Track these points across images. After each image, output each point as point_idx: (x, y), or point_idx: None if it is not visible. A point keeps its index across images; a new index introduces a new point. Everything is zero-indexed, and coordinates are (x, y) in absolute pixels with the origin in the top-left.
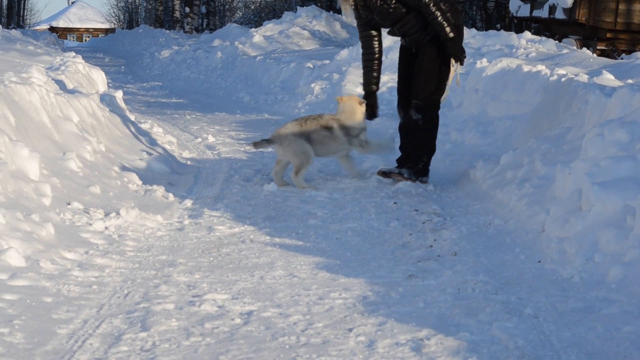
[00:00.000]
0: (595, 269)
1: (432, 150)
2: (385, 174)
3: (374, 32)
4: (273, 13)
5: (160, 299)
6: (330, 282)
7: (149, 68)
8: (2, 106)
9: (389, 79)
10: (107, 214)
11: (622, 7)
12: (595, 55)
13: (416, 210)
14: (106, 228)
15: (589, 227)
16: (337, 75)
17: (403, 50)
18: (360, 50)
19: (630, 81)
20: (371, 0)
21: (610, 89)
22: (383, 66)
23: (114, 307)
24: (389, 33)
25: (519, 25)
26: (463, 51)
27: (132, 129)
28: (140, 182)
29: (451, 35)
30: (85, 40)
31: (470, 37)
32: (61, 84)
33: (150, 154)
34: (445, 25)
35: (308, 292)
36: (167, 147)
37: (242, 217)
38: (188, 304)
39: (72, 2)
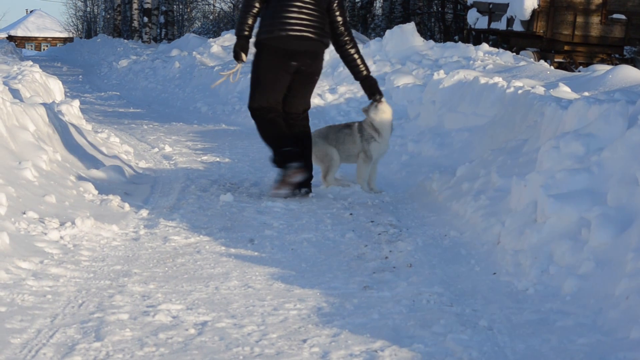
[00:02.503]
0: (550, 281)
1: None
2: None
3: None
4: (232, 23)
5: (114, 309)
6: (285, 293)
7: (107, 77)
8: None
9: (346, 90)
10: (62, 224)
11: (579, 20)
12: (552, 67)
13: (372, 221)
14: (61, 237)
15: (544, 240)
16: None
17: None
18: None
19: (586, 94)
20: None
21: (567, 102)
22: (342, 77)
23: (68, 316)
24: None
25: (476, 37)
26: None
27: (89, 138)
28: (96, 192)
29: None
30: (44, 49)
31: (428, 48)
32: (18, 93)
33: (106, 164)
34: None
35: (263, 303)
36: (124, 156)
37: (198, 227)
38: (142, 314)
39: (31, 11)
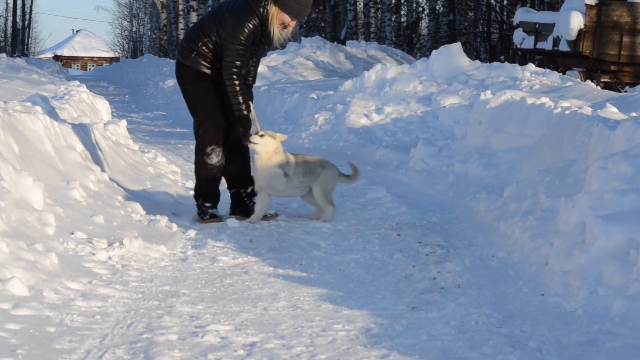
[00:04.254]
0: (599, 302)
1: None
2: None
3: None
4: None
5: (163, 330)
6: (334, 314)
7: (153, 97)
8: (6, 135)
9: (392, 110)
10: (110, 244)
11: (626, 39)
12: (599, 87)
13: (420, 242)
14: (109, 258)
15: (593, 260)
16: (341, 106)
17: (213, 81)
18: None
19: (634, 114)
20: (284, 36)
21: (614, 122)
22: (389, 97)
23: (117, 337)
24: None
25: (522, 57)
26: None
27: (136, 158)
28: (143, 212)
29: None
30: (90, 69)
31: (475, 68)
32: (65, 113)
33: (153, 184)
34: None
35: (311, 324)
36: (171, 177)
37: (245, 247)
38: (191, 334)
39: (77, 31)
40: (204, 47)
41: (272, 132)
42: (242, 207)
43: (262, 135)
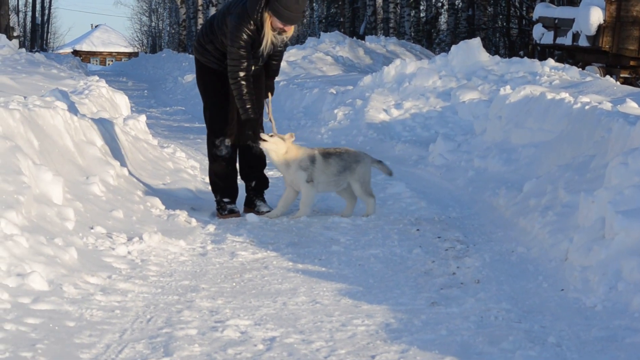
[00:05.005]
0: (619, 297)
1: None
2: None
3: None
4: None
5: (183, 324)
6: (353, 309)
7: (172, 92)
8: (26, 130)
9: (412, 105)
10: (130, 239)
11: None
12: (618, 83)
13: (439, 237)
14: (129, 253)
15: (613, 256)
16: (360, 101)
17: (220, 77)
18: (383, 77)
19: None
20: (280, 40)
21: (634, 117)
22: (408, 92)
23: (137, 332)
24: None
25: (542, 52)
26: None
27: (155, 153)
28: (163, 207)
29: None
30: (109, 64)
31: (494, 64)
32: (85, 108)
33: (173, 179)
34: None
35: (331, 319)
36: (190, 172)
37: (264, 242)
38: (211, 329)
39: (96, 26)
40: (213, 44)
41: (280, 135)
42: (249, 201)
43: (271, 135)
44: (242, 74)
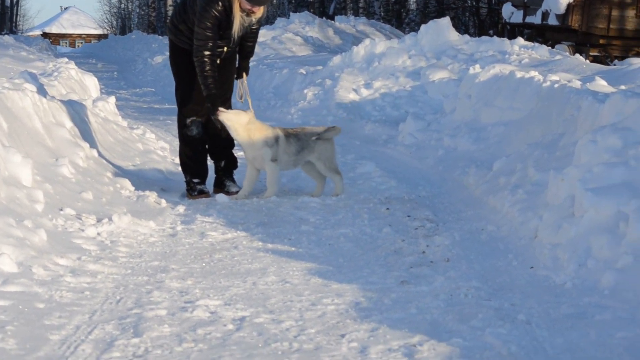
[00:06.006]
0: (588, 275)
1: None
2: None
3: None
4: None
5: (152, 305)
6: (323, 288)
7: (142, 74)
8: None
9: (381, 85)
10: (99, 220)
11: (615, 13)
12: (588, 61)
13: (409, 216)
14: (98, 234)
15: (582, 233)
16: (329, 81)
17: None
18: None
19: (623, 87)
20: (248, 22)
21: (603, 95)
22: (377, 72)
23: (107, 313)
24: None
25: (511, 31)
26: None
27: (125, 134)
28: (132, 188)
29: None
30: (78, 46)
31: (463, 43)
32: (54, 90)
33: (142, 160)
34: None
35: (300, 298)
36: (160, 152)
37: (234, 222)
38: (180, 310)
39: (65, 8)
40: (186, 24)
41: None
42: (218, 181)
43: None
44: (206, 52)
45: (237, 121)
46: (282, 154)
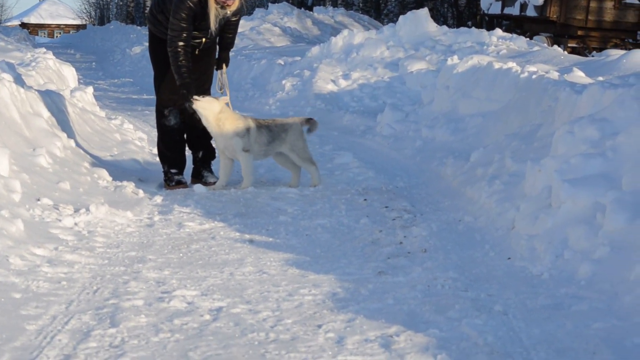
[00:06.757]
0: (565, 266)
1: None
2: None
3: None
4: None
5: (129, 295)
6: (300, 279)
7: (120, 64)
8: None
9: (359, 76)
10: (76, 210)
11: (593, 4)
12: (566, 52)
13: (386, 207)
14: (76, 224)
15: (559, 224)
16: (308, 72)
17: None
18: (331, 48)
19: (600, 78)
20: (223, 14)
21: (581, 86)
22: (355, 62)
23: (83, 303)
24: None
25: (490, 22)
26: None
27: (103, 125)
28: (110, 178)
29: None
30: (57, 36)
31: (442, 34)
32: (32, 80)
33: (120, 150)
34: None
35: (277, 289)
36: (138, 143)
37: (212, 213)
38: (157, 300)
39: None
40: (164, 14)
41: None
42: (196, 171)
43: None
44: (180, 43)
45: (209, 109)
46: (254, 144)
